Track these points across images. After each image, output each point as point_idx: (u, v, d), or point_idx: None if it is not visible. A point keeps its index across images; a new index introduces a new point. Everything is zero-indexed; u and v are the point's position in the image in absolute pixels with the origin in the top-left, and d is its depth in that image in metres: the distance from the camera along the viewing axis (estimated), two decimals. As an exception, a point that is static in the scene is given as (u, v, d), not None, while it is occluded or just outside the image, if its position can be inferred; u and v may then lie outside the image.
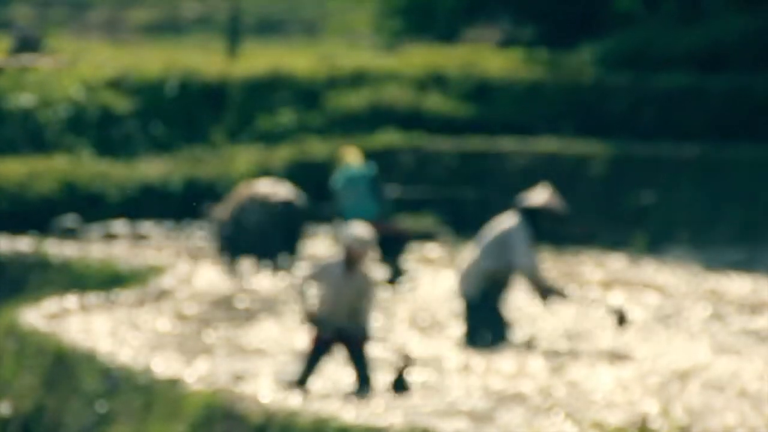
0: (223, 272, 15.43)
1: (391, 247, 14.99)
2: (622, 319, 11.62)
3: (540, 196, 11.91)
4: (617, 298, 11.68)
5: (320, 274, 9.57)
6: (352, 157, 15.21)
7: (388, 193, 15.27)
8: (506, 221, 11.81)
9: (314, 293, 9.68)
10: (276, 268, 15.57)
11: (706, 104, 20.75)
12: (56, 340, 10.90)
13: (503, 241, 11.65)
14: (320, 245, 17.63)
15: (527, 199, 11.90)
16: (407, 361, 9.66)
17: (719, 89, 20.81)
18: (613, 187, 19.75)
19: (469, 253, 12.05)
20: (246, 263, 15.76)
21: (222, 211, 16.21)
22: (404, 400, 9.39)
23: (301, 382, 9.57)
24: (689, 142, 20.07)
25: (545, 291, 11.67)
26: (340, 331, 9.55)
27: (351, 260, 9.50)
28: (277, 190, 16.23)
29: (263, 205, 15.95)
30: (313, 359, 9.61)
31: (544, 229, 11.98)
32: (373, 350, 9.83)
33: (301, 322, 9.66)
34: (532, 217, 11.76)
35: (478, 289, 11.65)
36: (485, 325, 11.64)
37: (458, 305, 11.94)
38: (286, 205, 15.96)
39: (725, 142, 19.97)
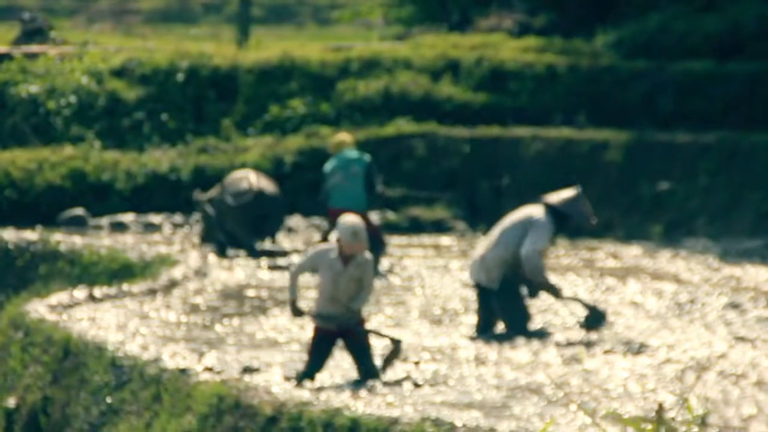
0: (203, 255, 15.50)
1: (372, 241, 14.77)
2: (596, 321, 11.37)
3: (573, 200, 11.57)
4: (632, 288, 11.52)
5: (315, 262, 9.33)
6: (347, 143, 15.01)
7: (380, 186, 15.07)
8: (531, 211, 11.55)
9: (317, 284, 9.46)
10: (251, 254, 15.64)
11: (724, 91, 20.58)
12: (64, 332, 10.79)
13: (527, 228, 11.40)
14: (309, 235, 17.57)
15: (558, 199, 11.58)
16: (395, 346, 9.51)
17: (737, 76, 20.63)
18: (629, 175, 19.59)
19: (484, 240, 11.82)
20: (223, 249, 15.91)
21: (206, 197, 16.39)
22: (416, 392, 9.26)
23: (308, 376, 9.40)
24: (707, 130, 19.89)
25: (538, 285, 11.45)
26: (341, 323, 9.35)
27: (346, 253, 9.26)
28: (252, 179, 16.28)
29: (236, 193, 16.07)
30: (318, 352, 9.43)
31: (565, 230, 11.78)
32: (371, 337, 9.64)
33: (291, 314, 9.43)
34: (560, 218, 11.51)
35: (498, 276, 11.44)
36: (505, 314, 11.45)
37: (474, 294, 11.74)
38: (258, 195, 16.01)
39: (743, 130, 19.79)
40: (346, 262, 9.26)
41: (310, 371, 9.42)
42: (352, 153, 14.79)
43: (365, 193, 14.65)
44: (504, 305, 11.46)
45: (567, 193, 11.67)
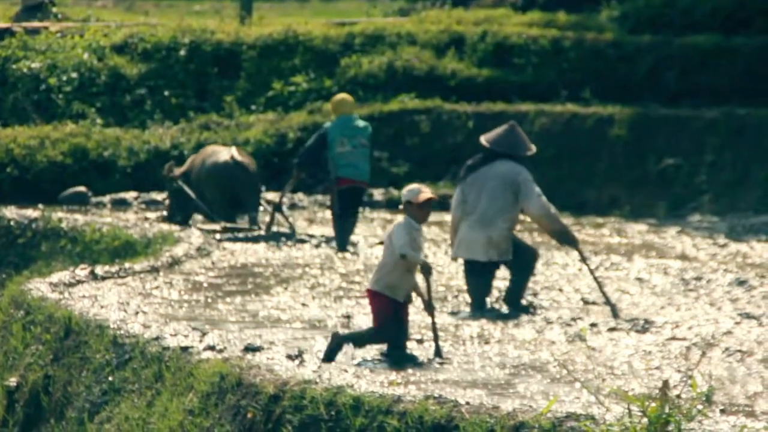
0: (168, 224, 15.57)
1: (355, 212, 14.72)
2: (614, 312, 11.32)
3: (516, 139, 11.56)
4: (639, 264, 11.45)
5: (413, 237, 9.31)
6: (349, 102, 14.80)
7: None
8: (502, 170, 11.45)
9: (387, 261, 9.34)
10: (225, 225, 15.64)
11: (730, 66, 20.47)
12: (66, 311, 10.74)
13: (513, 189, 11.35)
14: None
15: (509, 145, 11.51)
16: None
17: (744, 50, 20.51)
18: (634, 151, 19.50)
19: (472, 215, 11.64)
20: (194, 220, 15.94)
21: (178, 170, 16.33)
22: (419, 370, 9.21)
23: (400, 348, 9.36)
24: (713, 105, 19.79)
25: (560, 234, 11.41)
26: (406, 295, 9.42)
27: (427, 212, 9.23)
28: (226, 152, 16.20)
29: (212, 165, 15.98)
30: (398, 322, 9.39)
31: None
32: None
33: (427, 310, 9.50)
34: (520, 161, 11.54)
35: (509, 246, 11.41)
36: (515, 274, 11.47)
37: (473, 271, 11.62)
38: (233, 167, 15.93)
39: (750, 105, 19.69)
40: (420, 230, 9.34)
41: (399, 342, 9.39)
42: (357, 121, 14.61)
43: (368, 165, 14.59)
44: (517, 271, 11.46)
45: (507, 135, 11.57)
